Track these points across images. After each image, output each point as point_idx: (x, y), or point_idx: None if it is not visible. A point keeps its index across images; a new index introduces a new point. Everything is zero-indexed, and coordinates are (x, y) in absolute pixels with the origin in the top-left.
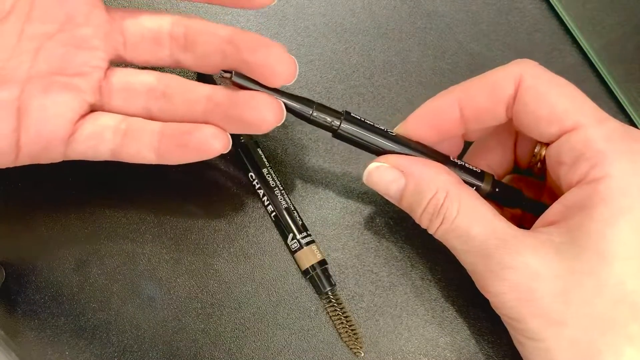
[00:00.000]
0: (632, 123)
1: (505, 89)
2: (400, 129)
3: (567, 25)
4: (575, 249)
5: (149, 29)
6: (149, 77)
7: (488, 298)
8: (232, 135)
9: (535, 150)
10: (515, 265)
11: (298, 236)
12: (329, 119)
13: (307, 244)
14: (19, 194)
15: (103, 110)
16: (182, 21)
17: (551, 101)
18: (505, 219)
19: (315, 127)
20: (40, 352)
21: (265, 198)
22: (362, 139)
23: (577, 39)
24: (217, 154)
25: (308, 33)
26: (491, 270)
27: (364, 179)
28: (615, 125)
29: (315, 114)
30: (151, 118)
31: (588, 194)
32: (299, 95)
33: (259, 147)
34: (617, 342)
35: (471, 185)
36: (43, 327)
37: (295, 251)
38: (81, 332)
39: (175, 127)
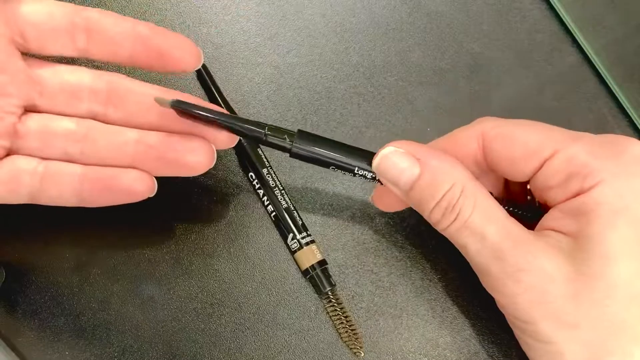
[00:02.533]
0: (632, 123)
1: (469, 144)
2: None
3: (567, 25)
4: (582, 253)
5: (67, 81)
6: (68, 122)
7: (498, 299)
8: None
9: (528, 187)
10: (531, 268)
11: (298, 236)
12: (282, 139)
13: (307, 244)
14: None
15: (19, 154)
16: (104, 77)
17: (521, 140)
18: (516, 221)
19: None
20: (40, 352)
21: (265, 198)
22: (320, 155)
23: (577, 39)
24: (143, 198)
25: (308, 33)
26: (505, 272)
27: (375, 163)
28: (591, 138)
29: (268, 134)
30: (73, 162)
31: (583, 200)
32: (251, 119)
33: (259, 147)
34: (626, 343)
35: None
36: (43, 327)
37: (295, 251)
38: (81, 332)
39: (98, 170)
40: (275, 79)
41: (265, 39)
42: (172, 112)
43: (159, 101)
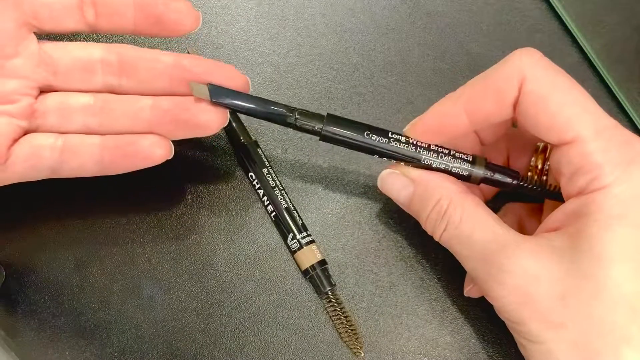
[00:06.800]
0: (632, 123)
1: (510, 93)
2: (408, 133)
3: (567, 25)
4: (574, 253)
5: (79, 58)
6: (85, 97)
7: (490, 302)
8: (232, 136)
9: (531, 163)
10: (514, 269)
11: (298, 236)
12: (312, 123)
13: (307, 244)
14: (19, 194)
15: (39, 131)
16: (113, 49)
17: (551, 109)
18: (507, 225)
19: None
20: (40, 352)
21: (265, 198)
22: (349, 138)
23: (577, 39)
24: (161, 161)
25: (308, 33)
26: (491, 275)
27: (379, 184)
28: (613, 134)
29: (298, 118)
30: (92, 134)
31: (586, 202)
32: (282, 102)
33: (259, 147)
34: (615, 343)
35: (464, 172)
36: (43, 327)
37: (295, 251)
38: (81, 332)
39: (116, 138)
40: (275, 79)
41: (265, 39)
42: (182, 76)
43: (197, 92)
